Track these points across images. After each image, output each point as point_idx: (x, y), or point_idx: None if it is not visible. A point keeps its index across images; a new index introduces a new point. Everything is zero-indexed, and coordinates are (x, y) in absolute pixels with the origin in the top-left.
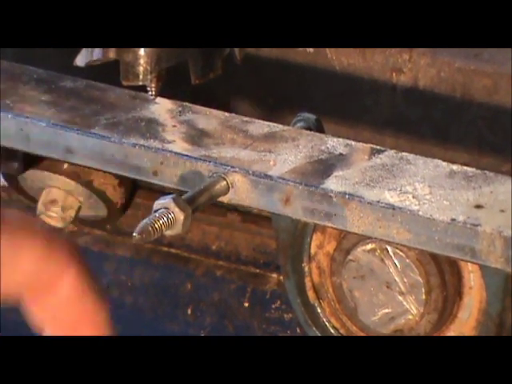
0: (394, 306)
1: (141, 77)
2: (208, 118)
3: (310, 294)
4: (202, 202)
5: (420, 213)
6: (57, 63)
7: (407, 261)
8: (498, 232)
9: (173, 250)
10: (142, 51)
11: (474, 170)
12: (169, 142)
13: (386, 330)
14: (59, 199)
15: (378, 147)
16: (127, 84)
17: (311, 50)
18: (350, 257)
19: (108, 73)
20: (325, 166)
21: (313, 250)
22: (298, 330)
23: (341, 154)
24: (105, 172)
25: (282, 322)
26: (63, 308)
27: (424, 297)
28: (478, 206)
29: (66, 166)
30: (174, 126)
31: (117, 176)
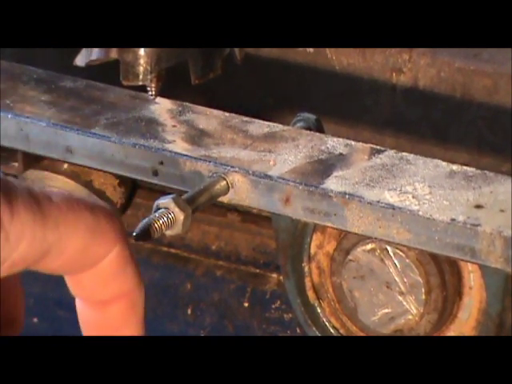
0: (393, 306)
1: (141, 77)
2: (208, 118)
3: (310, 294)
4: (202, 202)
5: (420, 213)
6: (57, 63)
7: (407, 261)
8: (498, 232)
9: (173, 250)
10: (141, 51)
11: (473, 170)
12: (169, 142)
13: (386, 330)
14: None
15: (378, 147)
16: (127, 84)
17: (311, 50)
18: (349, 257)
19: (108, 73)
20: (325, 166)
21: (313, 250)
22: (298, 330)
23: (341, 154)
24: (105, 172)
25: (281, 322)
26: (103, 284)
27: (424, 297)
28: (478, 206)
29: (65, 166)
30: (174, 126)
31: (117, 176)
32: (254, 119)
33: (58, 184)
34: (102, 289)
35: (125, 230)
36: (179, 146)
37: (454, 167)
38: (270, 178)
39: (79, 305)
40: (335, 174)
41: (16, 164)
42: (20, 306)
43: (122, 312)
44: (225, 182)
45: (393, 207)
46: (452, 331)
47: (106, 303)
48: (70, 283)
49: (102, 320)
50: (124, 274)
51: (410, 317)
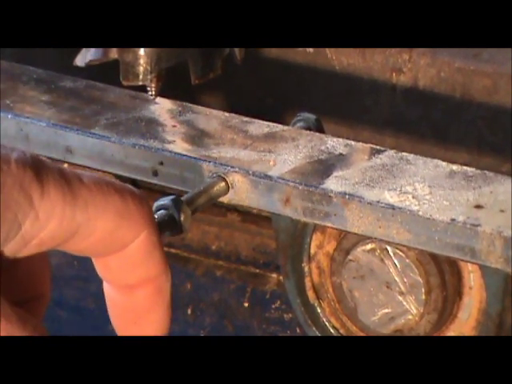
0: (393, 306)
1: (141, 77)
2: (208, 118)
3: (310, 294)
4: (202, 203)
5: (420, 213)
6: (57, 63)
7: (407, 261)
8: (498, 232)
9: (173, 250)
10: (141, 51)
11: (473, 170)
12: (169, 142)
13: (386, 330)
14: None
15: (378, 147)
16: (127, 84)
17: (311, 50)
18: (349, 257)
19: (108, 73)
20: (325, 166)
21: (313, 250)
22: (298, 330)
23: (341, 154)
24: (105, 172)
25: (281, 322)
26: (130, 268)
27: (424, 297)
28: (478, 206)
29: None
30: (174, 126)
31: (117, 176)
32: (253, 119)
33: None
34: (129, 273)
35: (153, 215)
36: (179, 146)
37: (454, 167)
38: (269, 178)
39: (107, 288)
40: (335, 174)
41: None
42: (48, 281)
43: (149, 297)
44: (224, 183)
45: (393, 207)
46: (452, 331)
47: (133, 287)
48: (98, 266)
49: (128, 304)
50: (151, 259)
51: (410, 317)
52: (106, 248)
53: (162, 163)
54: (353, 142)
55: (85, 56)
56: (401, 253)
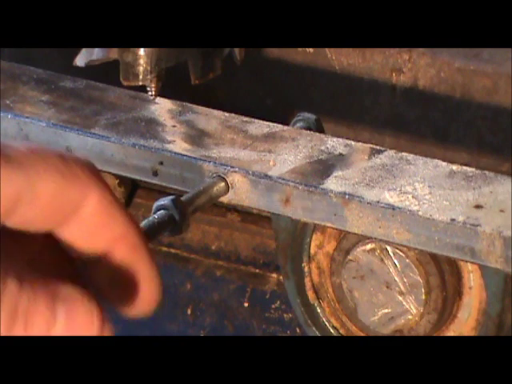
0: (393, 306)
1: (141, 77)
2: (208, 118)
3: (310, 294)
4: (202, 203)
5: (420, 213)
6: (57, 63)
7: (407, 261)
8: (498, 232)
9: (173, 250)
10: (141, 51)
11: (473, 170)
12: (169, 142)
13: (386, 330)
14: None
15: (378, 147)
16: (127, 84)
17: (311, 50)
18: (349, 257)
19: (108, 73)
20: (324, 166)
21: (312, 250)
22: (298, 330)
23: (340, 154)
24: (104, 172)
25: (281, 322)
26: (94, 233)
27: (424, 297)
28: (478, 206)
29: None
30: (174, 126)
31: (117, 176)
32: (253, 119)
33: None
34: (94, 237)
35: (101, 176)
36: (179, 146)
37: (454, 167)
38: (269, 178)
39: (91, 270)
40: (335, 174)
41: None
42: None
43: (126, 256)
44: (224, 183)
45: (393, 207)
46: (452, 331)
47: (108, 253)
48: (65, 243)
49: (109, 270)
50: (112, 219)
51: (410, 317)
52: (56, 213)
53: (162, 163)
54: (353, 142)
55: (85, 56)
56: (401, 253)
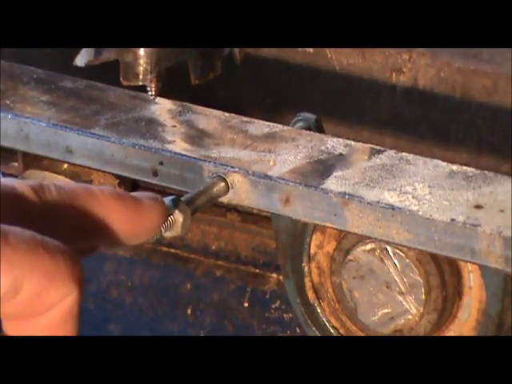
0: (393, 306)
1: (141, 77)
2: (208, 118)
3: (310, 294)
4: (202, 203)
5: (420, 213)
6: (57, 63)
7: (407, 261)
8: (498, 232)
9: (172, 250)
10: (141, 51)
11: (473, 170)
12: (169, 142)
13: (386, 330)
14: None
15: (378, 147)
16: (127, 84)
17: (311, 50)
18: (349, 257)
19: (108, 73)
20: (324, 166)
21: (312, 250)
22: (298, 330)
23: (340, 154)
24: (104, 172)
25: (281, 322)
26: (45, 329)
27: (424, 297)
28: (478, 206)
29: (65, 166)
30: (174, 126)
31: (117, 176)
32: (253, 119)
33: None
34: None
35: (83, 275)
36: (179, 146)
37: (454, 167)
38: (269, 178)
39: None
40: (335, 174)
41: (16, 164)
42: None
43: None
44: (224, 183)
45: (393, 207)
46: (452, 331)
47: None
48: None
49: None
50: (68, 324)
51: (410, 317)
52: (29, 311)
53: (162, 163)
54: (353, 142)
55: (85, 56)
56: (401, 253)
